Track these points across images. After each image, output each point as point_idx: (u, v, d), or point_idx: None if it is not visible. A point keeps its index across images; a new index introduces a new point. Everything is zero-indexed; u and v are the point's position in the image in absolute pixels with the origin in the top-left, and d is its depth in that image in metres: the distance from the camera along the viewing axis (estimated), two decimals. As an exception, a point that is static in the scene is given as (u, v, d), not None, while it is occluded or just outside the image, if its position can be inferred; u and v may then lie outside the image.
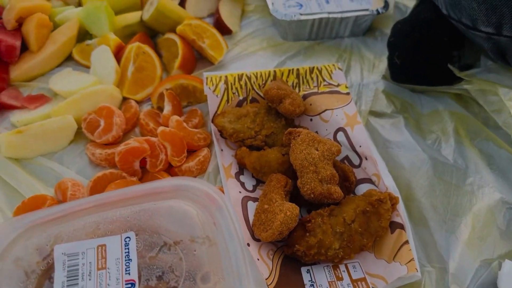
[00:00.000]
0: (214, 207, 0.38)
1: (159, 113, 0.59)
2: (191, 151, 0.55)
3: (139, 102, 0.61)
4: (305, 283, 0.44)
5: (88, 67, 0.65)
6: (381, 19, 0.75)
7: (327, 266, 0.46)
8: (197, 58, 0.68)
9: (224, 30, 0.71)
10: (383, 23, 0.75)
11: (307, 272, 0.45)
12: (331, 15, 0.69)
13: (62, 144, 0.56)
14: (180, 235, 0.35)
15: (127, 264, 0.32)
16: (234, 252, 0.35)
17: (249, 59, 0.69)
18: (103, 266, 0.31)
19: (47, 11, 0.66)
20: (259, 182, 0.52)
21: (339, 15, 0.69)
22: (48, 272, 0.32)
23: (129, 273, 0.31)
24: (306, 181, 0.46)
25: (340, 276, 0.45)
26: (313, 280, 0.45)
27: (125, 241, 0.34)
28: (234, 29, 0.73)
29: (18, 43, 0.63)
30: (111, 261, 0.32)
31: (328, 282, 0.44)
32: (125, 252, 0.34)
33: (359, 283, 0.44)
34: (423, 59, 0.60)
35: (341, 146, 0.49)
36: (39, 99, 0.60)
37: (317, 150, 0.47)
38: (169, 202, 0.38)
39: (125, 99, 0.61)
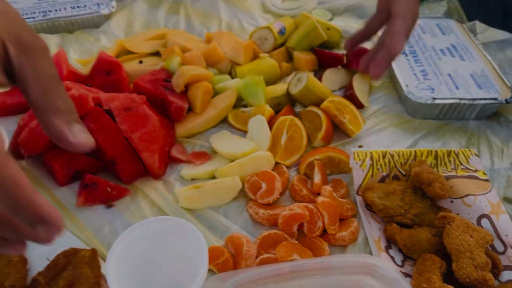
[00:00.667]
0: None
1: (307, 180, 0.67)
2: (340, 219, 0.62)
3: (287, 167, 0.69)
4: None
5: (239, 130, 0.75)
6: (506, 106, 0.79)
7: None
8: (334, 129, 0.75)
9: (357, 104, 0.78)
10: (507, 110, 0.80)
11: None
12: (462, 101, 0.75)
13: (226, 200, 0.64)
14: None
15: None
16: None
17: (382, 134, 0.75)
18: None
19: (210, 79, 0.77)
20: (406, 257, 0.58)
21: (469, 102, 0.75)
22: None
23: None
24: (462, 266, 0.50)
25: None
26: None
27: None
28: (366, 104, 0.80)
29: (186, 106, 0.74)
30: None
31: None
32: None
33: None
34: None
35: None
36: (203, 156, 0.70)
37: (472, 237, 0.52)
38: (358, 277, 0.44)
39: (276, 163, 0.69)
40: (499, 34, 0.90)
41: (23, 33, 0.33)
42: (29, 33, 0.33)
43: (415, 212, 0.59)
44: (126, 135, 0.66)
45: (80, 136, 0.35)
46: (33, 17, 0.93)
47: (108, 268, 0.44)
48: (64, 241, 0.57)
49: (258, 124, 0.71)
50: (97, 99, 0.67)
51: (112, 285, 0.43)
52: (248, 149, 0.68)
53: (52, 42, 0.90)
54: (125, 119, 0.67)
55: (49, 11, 0.95)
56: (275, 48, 0.90)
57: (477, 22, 0.95)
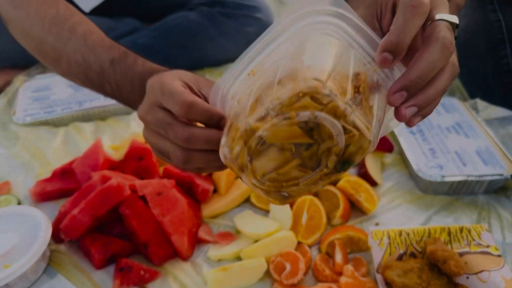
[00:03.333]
0: None
1: (328, 259, 0.70)
2: (362, 298, 0.64)
3: (309, 246, 0.73)
4: None
5: (261, 209, 0.80)
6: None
7: None
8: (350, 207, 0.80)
9: (370, 182, 0.84)
10: (514, 183, 0.84)
11: None
12: (469, 178, 0.80)
13: (252, 281, 0.67)
14: None
15: None
16: None
17: (397, 211, 0.80)
18: None
19: (232, 162, 0.84)
20: (428, 335, 0.60)
21: (477, 178, 0.80)
22: None
23: None
24: None
25: None
26: None
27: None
28: (379, 181, 0.85)
29: (211, 188, 0.80)
30: None
31: None
32: None
33: None
34: None
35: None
36: (228, 237, 0.75)
37: (490, 315, 0.55)
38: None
39: (298, 242, 0.73)
40: (500, 111, 0.97)
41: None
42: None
43: (434, 290, 0.62)
44: (158, 219, 0.71)
45: None
46: (70, 108, 1.02)
47: None
48: (102, 325, 0.61)
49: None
50: (132, 186, 0.74)
51: None
52: (271, 229, 0.72)
53: (87, 130, 0.98)
54: (157, 203, 0.73)
55: (84, 101, 1.04)
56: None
57: (478, 100, 1.02)
